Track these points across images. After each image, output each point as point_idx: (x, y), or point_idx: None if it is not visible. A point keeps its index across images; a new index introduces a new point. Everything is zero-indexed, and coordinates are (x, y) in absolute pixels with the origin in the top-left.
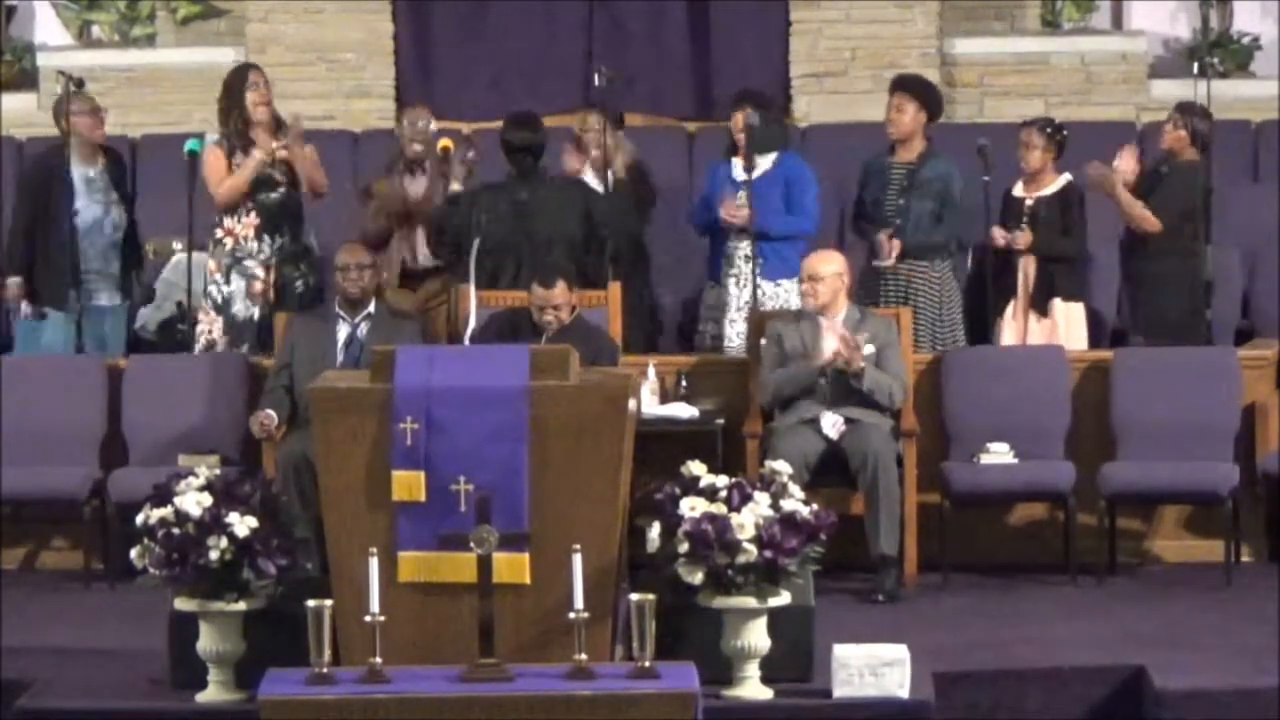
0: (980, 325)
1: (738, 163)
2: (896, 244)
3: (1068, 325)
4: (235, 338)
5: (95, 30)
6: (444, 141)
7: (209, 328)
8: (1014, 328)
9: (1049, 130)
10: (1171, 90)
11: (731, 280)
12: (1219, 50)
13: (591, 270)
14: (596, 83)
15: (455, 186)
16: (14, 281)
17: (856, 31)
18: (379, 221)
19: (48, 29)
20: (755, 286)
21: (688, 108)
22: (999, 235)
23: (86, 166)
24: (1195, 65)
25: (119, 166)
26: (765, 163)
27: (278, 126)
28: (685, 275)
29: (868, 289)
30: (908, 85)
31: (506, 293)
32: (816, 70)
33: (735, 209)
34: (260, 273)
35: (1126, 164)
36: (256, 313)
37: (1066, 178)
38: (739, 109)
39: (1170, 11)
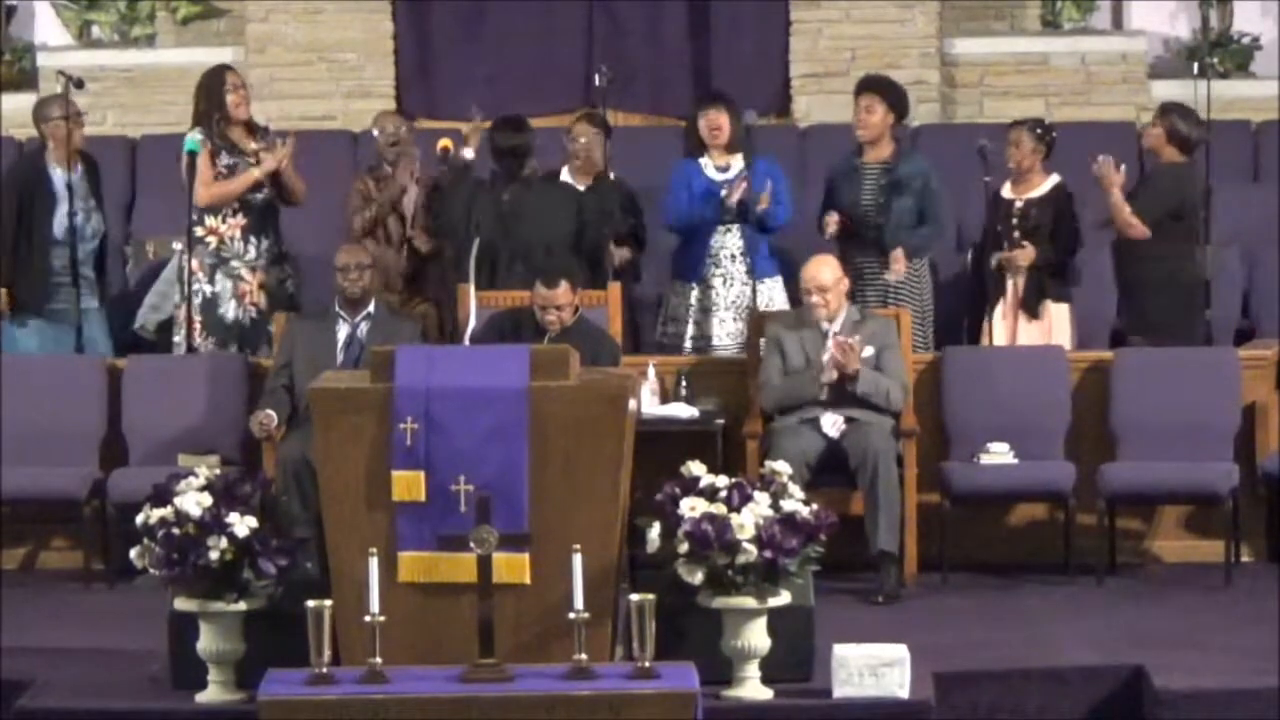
0: (977, 325)
1: (708, 162)
2: (834, 218)
3: (1058, 326)
4: (223, 339)
5: (95, 30)
6: (444, 141)
7: (193, 328)
8: (1003, 328)
9: (1038, 130)
10: (1172, 90)
11: (719, 280)
12: (1219, 50)
13: (583, 271)
14: (597, 83)
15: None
16: (1, 291)
17: (856, 31)
18: (364, 212)
19: (48, 29)
20: (752, 284)
21: (688, 108)
22: (1001, 257)
23: (66, 171)
24: (1195, 65)
25: (95, 172)
26: (737, 162)
27: (252, 128)
28: (653, 278)
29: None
30: (876, 86)
31: (508, 293)
32: (816, 70)
33: (739, 189)
34: (247, 275)
35: (1111, 175)
36: (242, 313)
37: (1056, 179)
38: (707, 108)
39: (1170, 11)
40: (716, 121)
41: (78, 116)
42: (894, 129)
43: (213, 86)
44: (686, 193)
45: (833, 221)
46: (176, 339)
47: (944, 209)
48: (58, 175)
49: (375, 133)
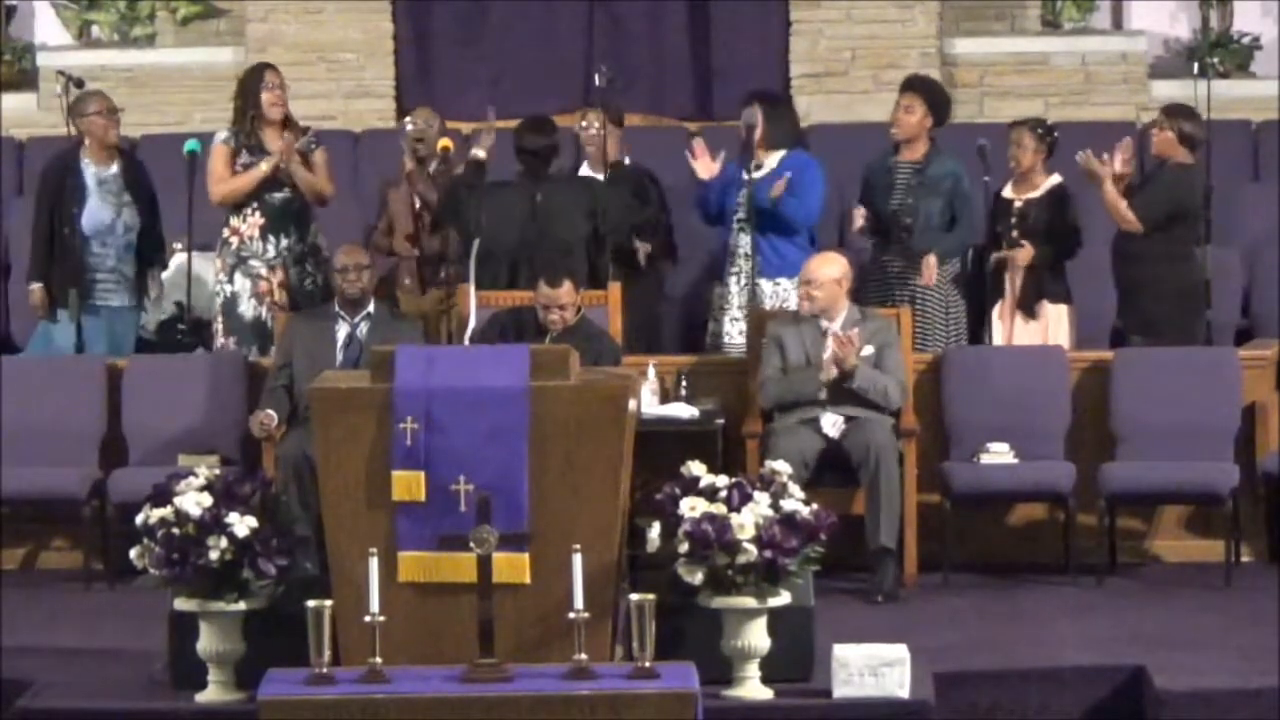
0: (979, 325)
1: (747, 159)
2: (932, 262)
3: (1055, 327)
4: (242, 338)
5: (95, 30)
6: (444, 141)
7: (217, 328)
8: (1001, 328)
9: (1040, 131)
10: (1171, 90)
11: (733, 278)
12: (1219, 50)
13: (601, 268)
14: (597, 83)
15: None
16: (36, 288)
17: (856, 31)
18: (386, 239)
19: (48, 29)
20: (755, 284)
21: (688, 108)
22: (997, 257)
23: (100, 167)
24: (1195, 65)
25: (136, 168)
26: (772, 160)
27: (287, 127)
28: (687, 274)
29: (876, 290)
30: (919, 86)
31: (508, 293)
32: (816, 70)
33: (701, 150)
34: (265, 273)
35: (1120, 160)
36: (263, 313)
37: (1057, 179)
38: (745, 108)
39: (1170, 11)
40: (747, 120)
41: (113, 113)
42: (931, 131)
43: (249, 84)
44: (719, 185)
45: (859, 215)
46: (217, 338)
47: (973, 210)
48: (90, 171)
49: (409, 126)
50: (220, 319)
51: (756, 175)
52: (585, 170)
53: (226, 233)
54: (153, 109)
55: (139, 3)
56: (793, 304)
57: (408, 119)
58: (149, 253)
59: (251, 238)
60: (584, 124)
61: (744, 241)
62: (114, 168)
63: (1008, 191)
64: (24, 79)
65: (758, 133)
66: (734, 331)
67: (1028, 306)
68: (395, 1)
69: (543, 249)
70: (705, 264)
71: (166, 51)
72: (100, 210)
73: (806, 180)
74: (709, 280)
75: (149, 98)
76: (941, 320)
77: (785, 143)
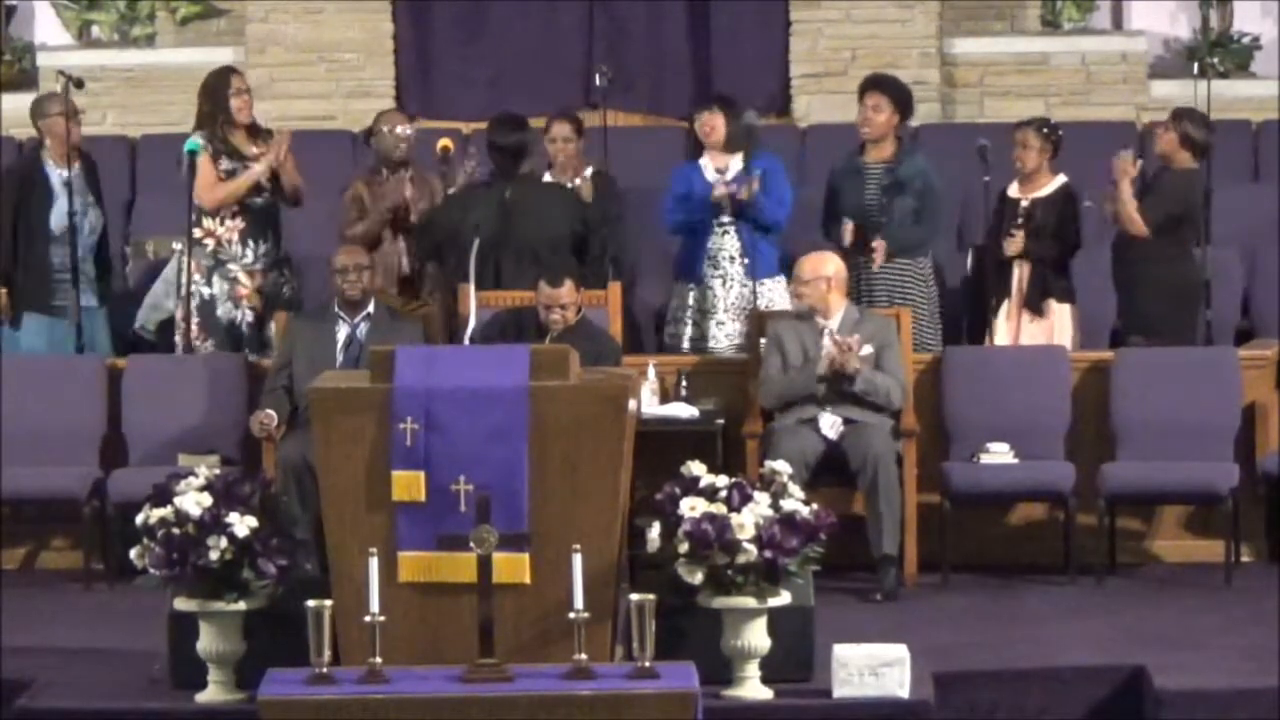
0: (978, 325)
1: (707, 163)
2: (849, 226)
3: (1061, 326)
4: (220, 341)
5: (95, 30)
6: (444, 142)
7: (191, 328)
8: (1007, 328)
9: (1045, 130)
10: (1171, 90)
11: (718, 281)
12: (1219, 50)
13: (584, 272)
14: (597, 83)
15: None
16: None
17: (856, 31)
18: (356, 226)
19: (48, 29)
20: (753, 285)
21: (688, 108)
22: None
23: (63, 168)
24: (1195, 65)
25: (92, 169)
26: (736, 162)
27: (255, 131)
28: (654, 279)
29: (854, 288)
30: (883, 85)
31: (509, 292)
32: (816, 70)
33: (726, 186)
34: (244, 278)
35: (1127, 168)
36: (239, 316)
37: (1062, 179)
38: (702, 110)
39: (1170, 11)
40: (710, 123)
41: (75, 114)
42: (897, 129)
43: (217, 88)
44: (683, 193)
45: (848, 231)
46: (177, 338)
47: (940, 208)
48: (55, 172)
49: (383, 129)
50: (195, 320)
51: (727, 178)
52: (547, 178)
53: (199, 234)
54: (153, 109)
55: (139, 3)
56: (779, 303)
57: (381, 125)
58: (105, 255)
59: (230, 241)
60: (549, 135)
61: (728, 244)
62: (75, 169)
63: (1013, 191)
64: (24, 79)
65: (721, 135)
66: (720, 335)
67: (1035, 305)
68: (395, 1)
69: (509, 249)
70: (666, 268)
71: (166, 51)
72: (67, 210)
73: (778, 181)
74: (669, 283)
75: (149, 98)
76: (920, 318)
77: (739, 145)
